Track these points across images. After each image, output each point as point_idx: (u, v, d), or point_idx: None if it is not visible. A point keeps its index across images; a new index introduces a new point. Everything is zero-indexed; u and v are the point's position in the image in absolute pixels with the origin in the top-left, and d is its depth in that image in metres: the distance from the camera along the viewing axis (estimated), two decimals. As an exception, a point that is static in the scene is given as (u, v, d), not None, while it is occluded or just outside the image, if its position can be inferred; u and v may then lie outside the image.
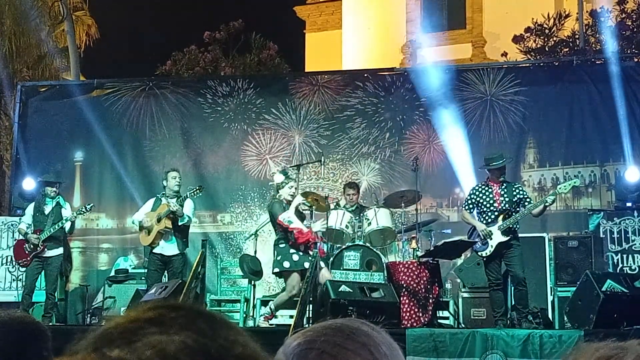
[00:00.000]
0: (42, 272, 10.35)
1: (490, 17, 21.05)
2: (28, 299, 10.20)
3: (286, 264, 8.96)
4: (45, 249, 10.23)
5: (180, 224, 9.87)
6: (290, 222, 8.93)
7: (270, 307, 9.26)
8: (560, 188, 9.09)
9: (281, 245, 9.06)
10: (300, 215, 9.21)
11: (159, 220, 9.83)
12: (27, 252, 10.26)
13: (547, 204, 8.84)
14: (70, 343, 0.78)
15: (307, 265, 8.87)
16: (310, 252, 8.99)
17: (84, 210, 10.58)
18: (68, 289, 11.70)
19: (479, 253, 8.90)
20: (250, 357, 0.73)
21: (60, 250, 10.35)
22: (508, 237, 8.70)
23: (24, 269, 10.63)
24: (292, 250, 8.96)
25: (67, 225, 10.36)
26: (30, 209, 10.60)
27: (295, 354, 1.27)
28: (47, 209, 10.41)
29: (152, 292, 9.17)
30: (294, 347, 1.28)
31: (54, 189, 10.53)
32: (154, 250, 9.95)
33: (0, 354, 2.24)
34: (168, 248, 9.92)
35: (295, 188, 9.34)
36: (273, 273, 9.36)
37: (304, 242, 8.97)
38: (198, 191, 10.03)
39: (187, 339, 0.71)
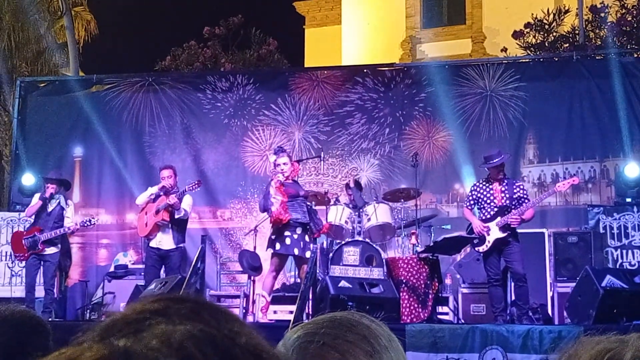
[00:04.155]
0: (41, 268, 10.35)
1: (490, 13, 21.04)
2: (31, 295, 10.18)
3: (277, 246, 8.88)
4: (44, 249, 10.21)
5: (176, 217, 9.89)
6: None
7: (262, 295, 9.19)
8: None
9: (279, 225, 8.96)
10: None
11: (157, 212, 9.84)
12: (25, 247, 10.22)
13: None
14: (70, 339, 0.80)
15: (297, 252, 8.83)
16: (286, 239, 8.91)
17: (87, 224, 10.44)
18: (67, 285, 11.70)
19: (477, 248, 8.93)
20: (255, 347, 0.74)
21: (56, 249, 10.32)
22: (506, 234, 8.70)
23: (22, 264, 10.63)
24: (286, 233, 8.88)
25: (68, 232, 10.36)
26: (35, 201, 10.49)
27: (295, 346, 1.28)
28: (50, 208, 10.35)
29: (152, 287, 9.14)
30: (294, 339, 1.29)
31: (54, 185, 10.46)
32: (151, 244, 9.98)
33: (1, 350, 2.24)
34: (165, 242, 9.93)
35: (292, 162, 9.20)
36: (266, 251, 9.30)
37: (275, 222, 8.90)
38: (196, 185, 10.04)
39: (193, 329, 0.73)
